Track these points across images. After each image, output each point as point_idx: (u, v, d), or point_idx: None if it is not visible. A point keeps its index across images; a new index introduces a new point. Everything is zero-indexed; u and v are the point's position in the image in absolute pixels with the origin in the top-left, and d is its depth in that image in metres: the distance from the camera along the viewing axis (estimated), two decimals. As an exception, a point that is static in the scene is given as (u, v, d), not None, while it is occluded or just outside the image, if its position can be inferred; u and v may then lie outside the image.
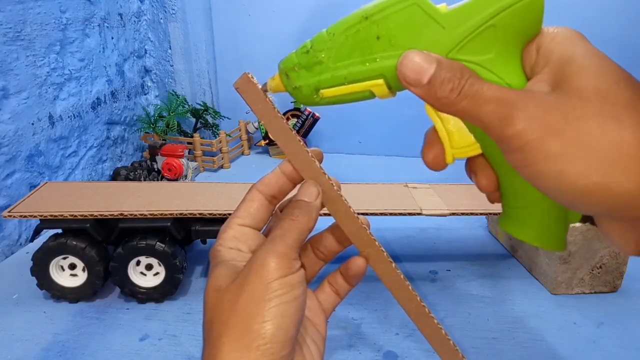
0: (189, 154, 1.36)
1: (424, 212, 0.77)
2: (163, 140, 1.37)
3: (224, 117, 1.52)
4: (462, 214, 0.78)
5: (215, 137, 1.48)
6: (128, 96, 1.41)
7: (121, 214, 0.72)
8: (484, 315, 0.75)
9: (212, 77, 1.56)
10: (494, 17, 0.22)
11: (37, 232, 0.75)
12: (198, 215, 0.74)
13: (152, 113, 1.49)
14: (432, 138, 0.25)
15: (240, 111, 1.52)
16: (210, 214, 0.74)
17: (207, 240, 0.87)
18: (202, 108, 1.48)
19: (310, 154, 0.28)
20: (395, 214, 0.76)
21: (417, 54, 0.22)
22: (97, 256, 0.74)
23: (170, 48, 1.50)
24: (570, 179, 0.19)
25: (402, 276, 0.29)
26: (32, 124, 1.01)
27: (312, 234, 0.28)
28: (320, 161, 0.29)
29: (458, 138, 0.24)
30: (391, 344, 0.69)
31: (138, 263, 0.75)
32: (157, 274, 0.76)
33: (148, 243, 0.73)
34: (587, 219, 0.22)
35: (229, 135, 1.45)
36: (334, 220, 0.29)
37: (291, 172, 0.28)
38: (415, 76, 0.22)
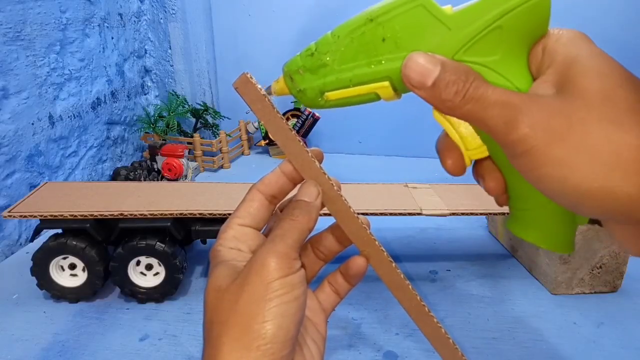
0: (189, 154, 1.36)
1: (424, 212, 0.77)
2: (163, 140, 1.37)
3: (224, 117, 1.52)
4: (462, 214, 0.78)
5: (215, 137, 1.48)
6: (128, 96, 1.41)
7: (121, 214, 0.72)
8: (484, 315, 0.75)
9: (212, 77, 1.56)
10: (501, 19, 0.22)
11: (37, 232, 0.75)
12: (198, 215, 0.74)
13: (152, 113, 1.49)
14: (446, 144, 0.25)
15: (240, 111, 1.52)
16: (210, 214, 0.74)
17: (207, 240, 0.87)
18: (202, 108, 1.48)
19: (310, 154, 0.28)
20: (395, 214, 0.76)
21: (422, 55, 0.22)
22: (97, 256, 0.74)
23: (170, 48, 1.50)
24: (573, 183, 0.20)
25: (402, 275, 0.29)
26: (32, 124, 1.01)
27: (312, 233, 0.28)
28: (320, 161, 0.29)
29: (471, 139, 0.24)
30: (391, 344, 0.69)
31: (138, 263, 0.75)
32: (157, 274, 0.76)
33: (148, 243, 0.73)
34: (594, 220, 0.23)
35: (229, 135, 1.45)
36: (334, 220, 0.29)
37: (291, 172, 0.28)
38: (420, 78, 0.22)
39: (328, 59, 0.25)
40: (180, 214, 0.74)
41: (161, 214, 0.73)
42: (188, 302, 0.78)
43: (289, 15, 1.44)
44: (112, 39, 1.30)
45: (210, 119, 1.50)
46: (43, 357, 0.65)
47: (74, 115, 1.15)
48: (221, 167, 1.42)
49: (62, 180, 1.11)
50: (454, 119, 0.24)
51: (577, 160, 0.19)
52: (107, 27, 1.28)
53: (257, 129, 1.55)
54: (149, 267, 0.76)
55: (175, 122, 1.44)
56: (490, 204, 0.81)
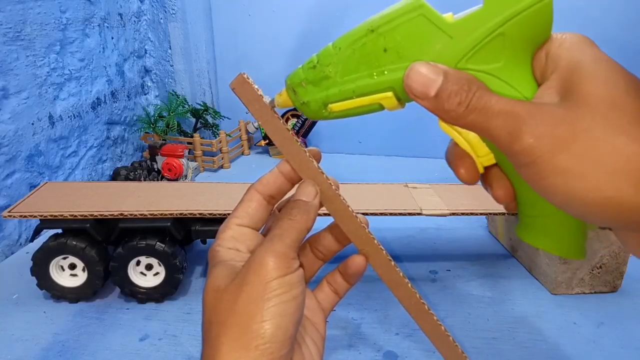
0: (189, 154, 1.36)
1: (424, 212, 0.77)
2: (163, 140, 1.37)
3: (224, 117, 1.52)
4: (462, 214, 0.78)
5: (215, 137, 1.48)
6: (128, 96, 1.41)
7: (121, 214, 0.72)
8: (484, 315, 0.75)
9: (212, 77, 1.56)
10: (503, 26, 0.22)
11: (37, 232, 0.75)
12: (198, 215, 0.74)
13: (152, 113, 1.49)
14: (456, 153, 0.25)
15: (240, 111, 1.52)
16: (210, 214, 0.74)
17: (207, 240, 0.87)
18: (202, 108, 1.48)
19: (307, 154, 0.28)
20: (395, 214, 0.76)
21: (424, 65, 0.22)
22: (97, 256, 0.74)
23: (170, 48, 1.50)
24: (580, 194, 0.19)
25: (401, 274, 0.29)
26: (32, 124, 1.01)
27: (310, 233, 0.28)
28: (318, 161, 0.29)
29: (481, 146, 0.24)
30: (391, 344, 0.69)
31: (138, 263, 0.75)
32: (157, 274, 0.76)
33: (148, 243, 0.73)
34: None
35: (229, 135, 1.45)
36: (332, 220, 0.29)
37: (289, 171, 0.28)
38: (422, 89, 0.22)
39: (330, 70, 0.25)
40: (180, 214, 0.74)
41: (161, 214, 0.73)
42: (188, 302, 0.78)
43: (289, 15, 1.44)
44: (112, 39, 1.30)
45: (210, 119, 1.50)
46: (43, 357, 0.65)
47: (74, 115, 1.15)
48: (221, 167, 1.43)
49: (62, 180, 1.11)
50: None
51: (583, 170, 0.19)
52: (107, 27, 1.28)
53: (257, 129, 1.55)
54: (149, 267, 0.76)
55: (175, 122, 1.44)
56: (490, 204, 0.81)
